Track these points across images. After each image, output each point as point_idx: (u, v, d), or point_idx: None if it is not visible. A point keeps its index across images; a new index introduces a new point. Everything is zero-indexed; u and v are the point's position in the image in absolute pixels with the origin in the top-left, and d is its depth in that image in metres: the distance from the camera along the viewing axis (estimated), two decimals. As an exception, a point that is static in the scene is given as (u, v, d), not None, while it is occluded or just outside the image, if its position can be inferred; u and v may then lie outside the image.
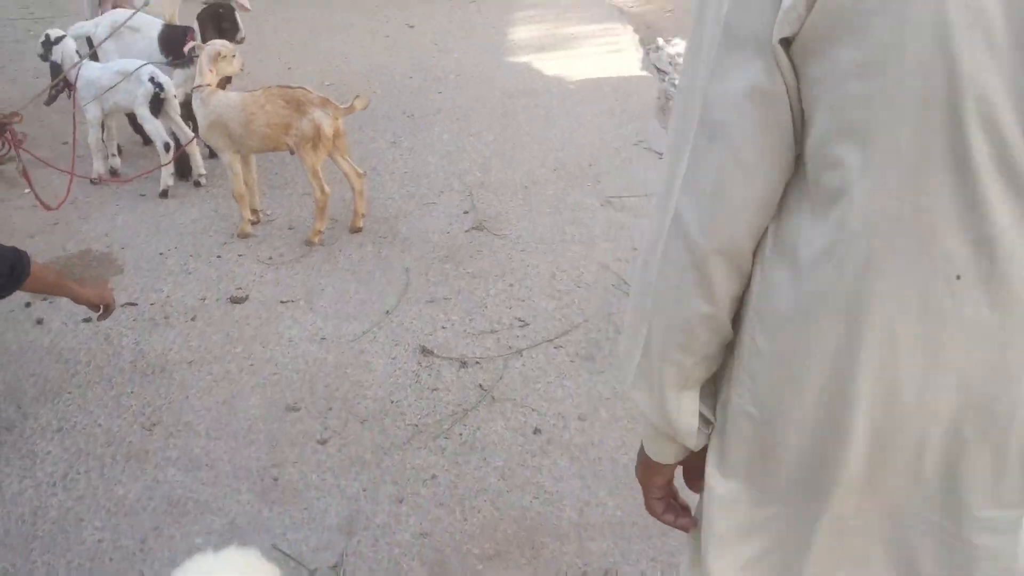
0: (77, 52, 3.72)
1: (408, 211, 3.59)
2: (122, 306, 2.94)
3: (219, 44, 3.36)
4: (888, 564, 0.94)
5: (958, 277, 0.80)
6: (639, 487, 1.07)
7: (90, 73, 3.68)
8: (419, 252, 3.29)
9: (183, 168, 3.90)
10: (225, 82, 3.71)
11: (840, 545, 0.94)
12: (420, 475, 2.20)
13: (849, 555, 0.95)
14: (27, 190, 3.33)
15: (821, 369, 0.86)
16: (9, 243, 2.11)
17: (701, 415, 0.97)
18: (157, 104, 3.70)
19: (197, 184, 3.88)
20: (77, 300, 2.32)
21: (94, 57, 3.81)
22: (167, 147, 3.73)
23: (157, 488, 2.17)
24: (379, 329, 2.84)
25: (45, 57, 3.73)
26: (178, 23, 4.05)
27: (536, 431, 2.35)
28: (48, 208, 3.17)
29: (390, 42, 5.59)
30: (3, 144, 2.90)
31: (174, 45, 3.85)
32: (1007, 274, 0.80)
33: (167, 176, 3.77)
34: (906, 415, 0.85)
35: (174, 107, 3.78)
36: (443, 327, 2.84)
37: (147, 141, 3.95)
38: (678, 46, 5.46)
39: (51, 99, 3.71)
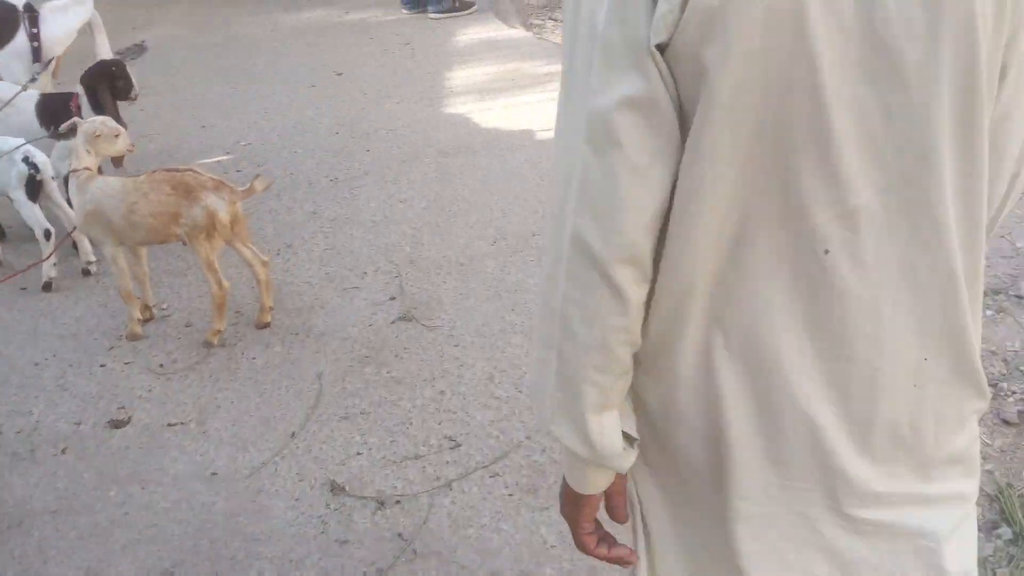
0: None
1: (326, 299, 3.19)
2: (-27, 443, 2.51)
3: (98, 122, 2.96)
4: (812, 556, 0.96)
5: (826, 251, 0.85)
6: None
7: (-46, 155, 3.25)
8: (335, 352, 2.89)
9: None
10: (120, 160, 3.31)
11: (764, 545, 0.96)
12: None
13: (777, 554, 0.96)
14: None
15: (694, 348, 0.91)
16: None
17: (625, 434, 0.98)
18: (34, 187, 3.27)
19: (86, 272, 3.44)
20: None
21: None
22: (48, 235, 3.30)
23: None
24: (282, 459, 2.43)
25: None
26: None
27: (465, 602, 1.95)
28: None
29: (315, 93, 5.20)
30: None
31: (55, 115, 3.43)
32: (870, 245, 0.85)
33: (49, 267, 3.34)
34: (785, 393, 0.90)
35: (54, 189, 3.35)
36: (358, 452, 2.44)
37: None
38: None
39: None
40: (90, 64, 3.63)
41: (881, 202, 0.84)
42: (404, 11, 6.44)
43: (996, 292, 2.94)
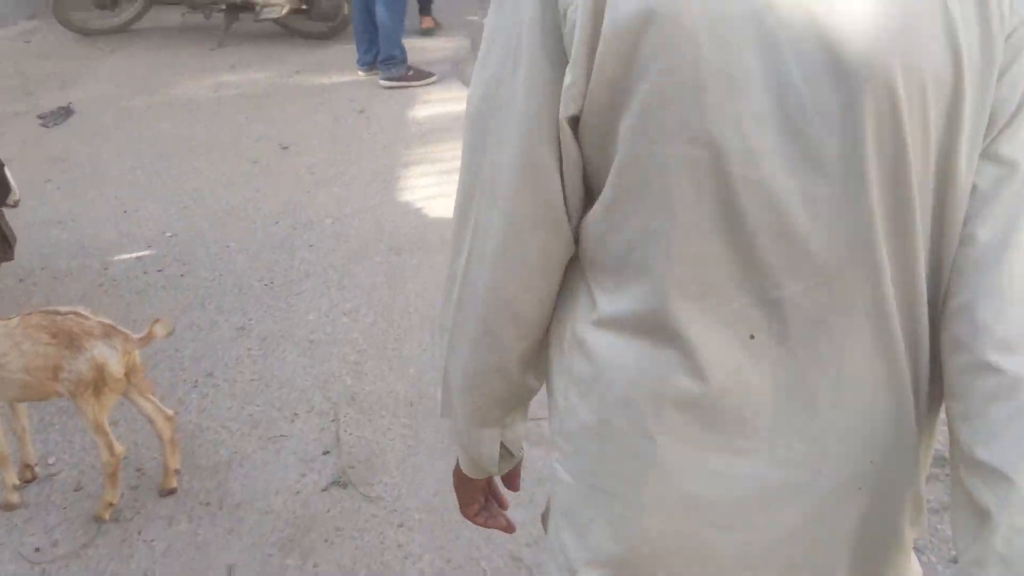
0: None
1: (246, 453, 2.70)
2: None
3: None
4: None
5: (752, 336, 0.83)
6: None
7: None
8: (252, 532, 2.40)
9: None
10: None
11: None
12: None
13: None
14: None
15: (627, 432, 0.89)
16: None
17: (504, 446, 1.08)
18: None
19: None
20: None
21: None
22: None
23: None
24: None
25: None
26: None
27: None
28: None
29: (257, 170, 4.72)
30: None
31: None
32: (804, 335, 0.82)
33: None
34: (711, 492, 0.87)
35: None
36: None
37: None
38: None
39: None
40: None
41: (811, 298, 0.81)
42: (360, 72, 6.00)
43: None
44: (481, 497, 1.20)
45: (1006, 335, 0.77)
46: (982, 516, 0.75)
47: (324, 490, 2.55)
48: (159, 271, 3.78)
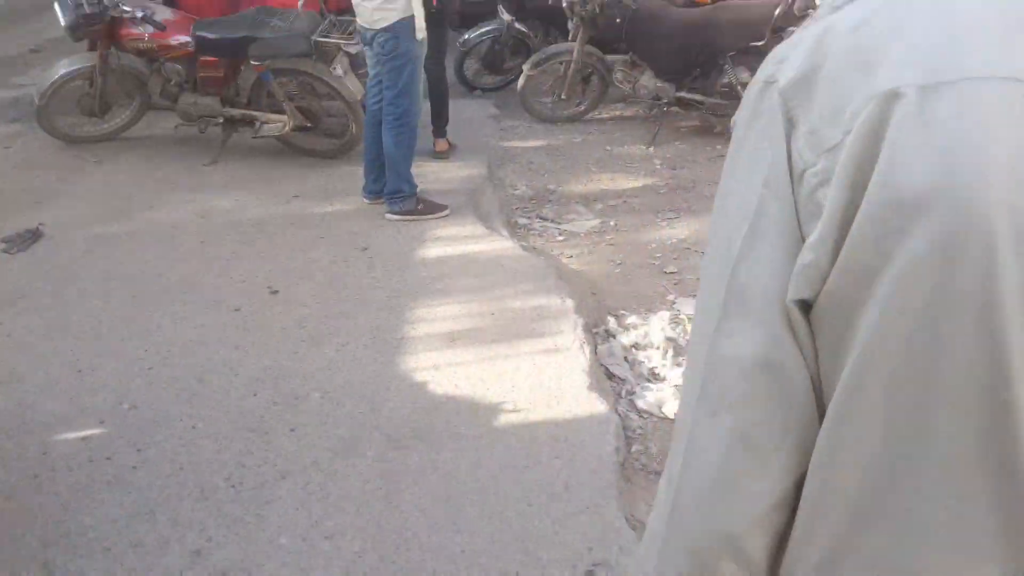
0: None
1: None
2: None
3: None
4: None
5: None
6: None
7: None
8: None
9: None
10: None
11: None
12: None
13: None
14: None
15: None
16: None
17: None
18: None
19: None
20: None
21: None
22: None
23: None
24: None
25: None
26: None
27: None
28: None
29: (239, 320, 4.14)
30: None
31: None
32: None
33: None
34: None
35: None
36: None
37: None
38: (635, 328, 4.16)
39: None
40: None
41: None
42: (365, 199, 5.49)
43: None
44: None
45: None
46: None
47: None
48: (108, 458, 3.16)
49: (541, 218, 5.57)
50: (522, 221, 5.53)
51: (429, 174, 5.90)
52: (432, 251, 4.91)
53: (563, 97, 7.14)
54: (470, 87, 8.03)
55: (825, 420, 0.73)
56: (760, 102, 0.78)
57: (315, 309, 4.25)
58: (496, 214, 5.56)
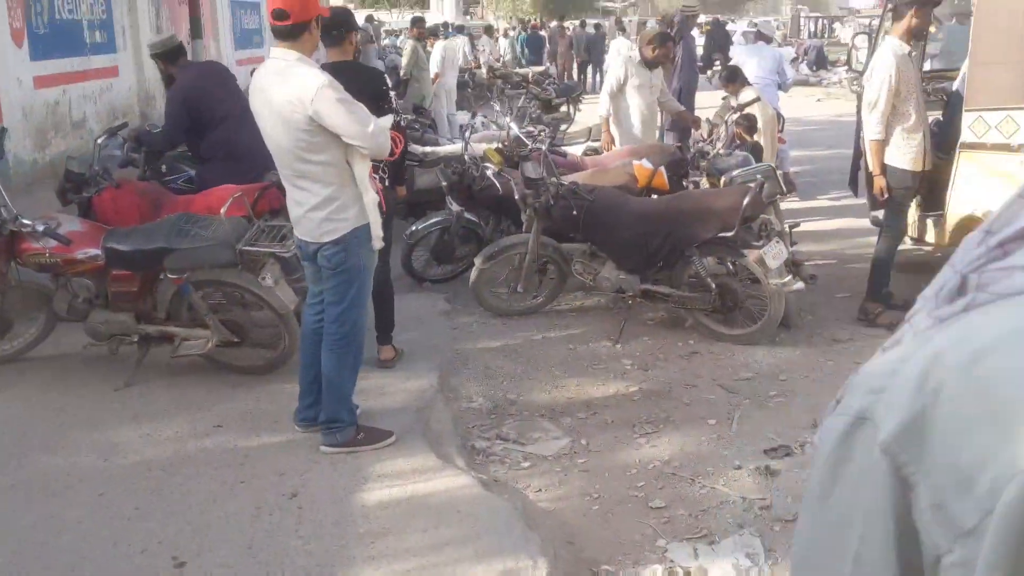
0: None
1: None
2: None
3: None
4: None
5: None
6: None
7: None
8: None
9: None
10: None
11: None
12: None
13: None
14: None
15: None
16: None
17: None
18: None
19: None
20: None
21: None
22: None
23: None
24: None
25: None
26: None
27: None
28: None
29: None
30: None
31: None
32: None
33: None
34: None
35: None
36: None
37: None
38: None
39: None
40: None
41: None
42: (297, 428, 4.79)
43: None
44: None
45: None
46: None
47: None
48: None
49: (502, 438, 4.91)
50: (480, 444, 4.85)
51: (372, 388, 5.26)
52: (374, 494, 4.18)
53: (519, 290, 6.66)
54: (418, 279, 7.54)
55: None
56: (851, 445, 0.70)
57: (228, 588, 3.47)
58: (450, 436, 4.88)
